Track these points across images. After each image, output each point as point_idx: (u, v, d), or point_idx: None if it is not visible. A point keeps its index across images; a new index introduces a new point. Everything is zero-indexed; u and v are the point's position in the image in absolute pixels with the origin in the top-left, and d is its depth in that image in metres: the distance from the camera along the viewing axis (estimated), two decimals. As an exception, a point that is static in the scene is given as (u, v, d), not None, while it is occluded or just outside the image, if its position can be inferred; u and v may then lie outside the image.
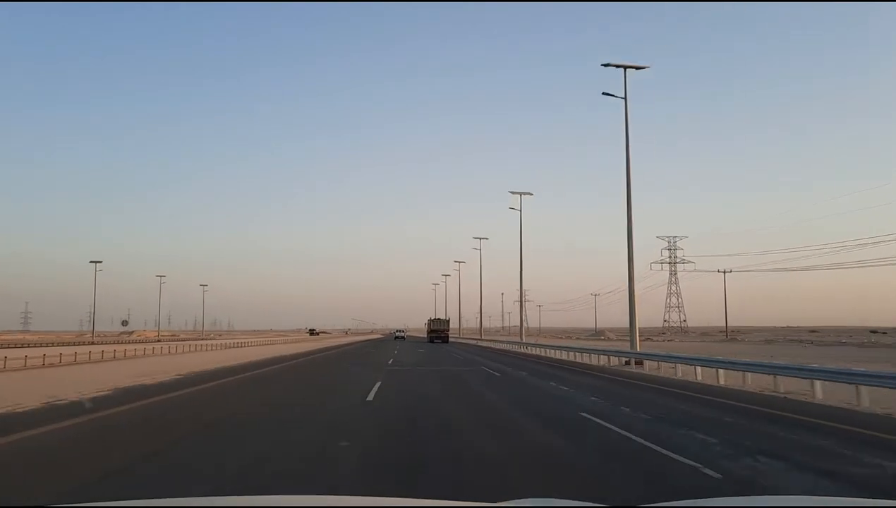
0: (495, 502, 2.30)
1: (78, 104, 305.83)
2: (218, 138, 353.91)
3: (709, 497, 4.37)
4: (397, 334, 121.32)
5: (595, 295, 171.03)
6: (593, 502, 2.41)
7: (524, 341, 54.91)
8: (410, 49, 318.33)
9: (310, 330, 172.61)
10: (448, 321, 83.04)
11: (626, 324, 30.38)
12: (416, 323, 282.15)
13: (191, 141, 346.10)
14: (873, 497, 5.36)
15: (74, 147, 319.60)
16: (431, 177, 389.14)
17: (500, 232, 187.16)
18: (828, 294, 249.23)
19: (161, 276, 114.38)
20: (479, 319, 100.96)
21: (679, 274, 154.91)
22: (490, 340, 78.45)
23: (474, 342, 79.15)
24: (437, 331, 78.83)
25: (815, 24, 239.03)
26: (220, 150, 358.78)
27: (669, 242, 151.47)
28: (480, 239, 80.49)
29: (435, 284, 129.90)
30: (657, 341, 76.90)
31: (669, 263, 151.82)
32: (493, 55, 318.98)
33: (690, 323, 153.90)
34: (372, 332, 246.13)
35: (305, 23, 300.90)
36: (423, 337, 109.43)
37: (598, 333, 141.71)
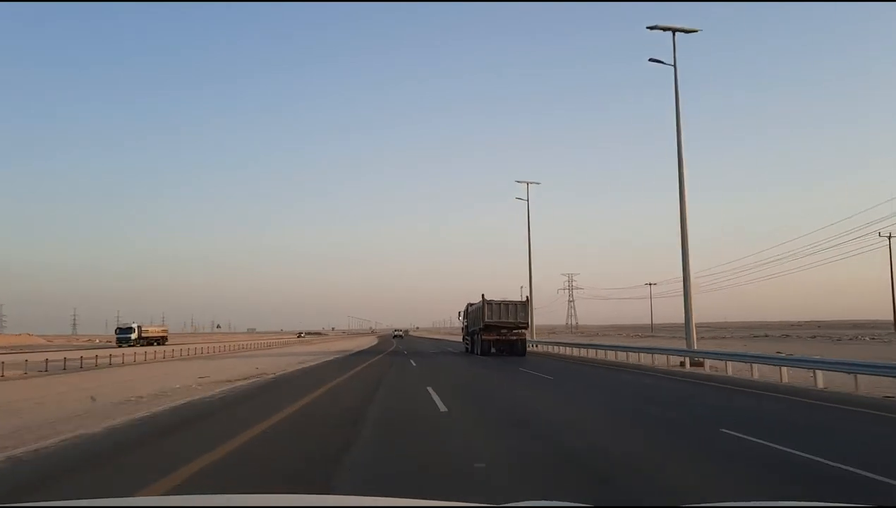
0: (496, 503, 2.32)
1: (74, 104, 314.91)
2: (214, 142, 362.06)
3: (727, 501, 4.30)
4: (395, 333, 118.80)
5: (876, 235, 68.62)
6: (595, 503, 2.38)
7: (696, 348, 25.42)
8: (407, 52, 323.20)
9: (118, 328, 77.32)
10: (525, 305, 35.86)
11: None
12: (424, 324, 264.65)
13: (185, 145, 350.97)
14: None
15: (73, 150, 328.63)
16: (438, 174, 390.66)
17: (512, 227, 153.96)
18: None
19: None
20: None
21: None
22: (576, 345, 37.83)
23: (542, 349, 43.58)
24: (504, 329, 34.60)
25: None
26: (219, 154, 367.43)
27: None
28: (528, 183, 51.16)
29: (519, 199, 54.81)
30: None
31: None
32: (492, 56, 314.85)
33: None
34: (371, 332, 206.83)
35: (318, 26, 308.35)
36: (445, 341, 71.44)
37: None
